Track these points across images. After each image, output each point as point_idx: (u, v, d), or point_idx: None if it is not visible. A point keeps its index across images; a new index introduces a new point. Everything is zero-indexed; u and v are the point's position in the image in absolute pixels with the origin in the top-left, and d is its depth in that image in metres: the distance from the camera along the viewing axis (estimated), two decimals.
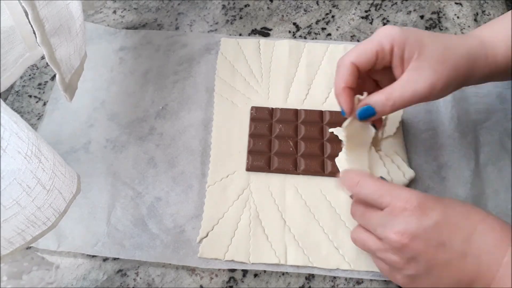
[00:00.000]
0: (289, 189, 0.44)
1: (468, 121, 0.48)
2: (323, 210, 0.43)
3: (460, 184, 0.45)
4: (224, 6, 0.59)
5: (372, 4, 0.59)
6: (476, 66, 0.37)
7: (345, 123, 0.38)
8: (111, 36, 0.56)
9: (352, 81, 0.37)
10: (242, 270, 0.41)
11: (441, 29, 0.57)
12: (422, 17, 0.58)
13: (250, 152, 0.46)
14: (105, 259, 0.42)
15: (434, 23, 0.57)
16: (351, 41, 0.56)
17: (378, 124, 0.41)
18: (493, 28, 0.39)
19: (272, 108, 0.49)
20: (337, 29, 0.57)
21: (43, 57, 0.50)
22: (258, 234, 0.42)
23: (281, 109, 0.49)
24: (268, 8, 0.59)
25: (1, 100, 0.29)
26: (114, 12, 0.59)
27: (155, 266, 0.41)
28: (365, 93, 0.38)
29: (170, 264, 0.41)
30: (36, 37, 0.37)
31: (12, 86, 0.53)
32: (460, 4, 0.59)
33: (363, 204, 0.36)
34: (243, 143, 0.47)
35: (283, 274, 0.41)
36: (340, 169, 0.45)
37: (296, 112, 0.49)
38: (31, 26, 0.35)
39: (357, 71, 0.37)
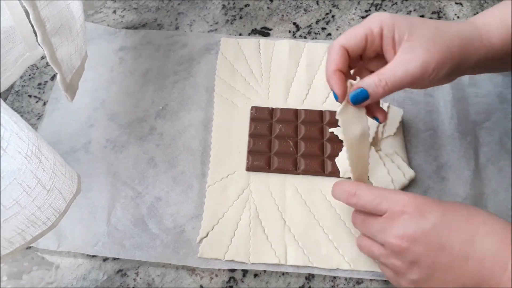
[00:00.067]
0: (289, 189, 0.44)
1: (468, 121, 0.48)
2: (323, 210, 0.43)
3: (460, 184, 0.45)
4: (224, 6, 0.59)
5: (372, 4, 0.59)
6: (471, 48, 0.36)
7: (339, 110, 0.37)
8: (111, 36, 0.56)
9: (343, 64, 0.37)
10: (242, 270, 0.41)
11: None
12: (422, 17, 0.58)
13: (250, 152, 0.46)
14: (105, 259, 0.42)
15: None
16: None
17: (381, 117, 0.39)
18: (486, 14, 0.39)
19: (272, 108, 0.49)
20: (337, 29, 0.57)
21: (43, 57, 0.50)
22: (258, 234, 0.42)
23: (281, 109, 0.49)
24: (268, 8, 0.59)
25: (1, 100, 0.29)
26: (114, 12, 0.59)
27: (155, 266, 0.42)
28: (358, 78, 0.37)
29: (170, 264, 0.41)
30: (36, 37, 0.37)
31: (12, 86, 0.53)
32: (460, 4, 0.59)
33: (362, 212, 0.36)
34: (243, 143, 0.47)
35: (283, 274, 0.41)
36: (340, 169, 0.45)
37: (296, 112, 0.49)
38: (32, 26, 0.35)
39: (347, 55, 0.37)
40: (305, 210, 0.43)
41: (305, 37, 0.56)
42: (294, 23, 0.58)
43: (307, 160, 0.45)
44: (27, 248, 0.42)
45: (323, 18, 0.58)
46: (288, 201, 0.44)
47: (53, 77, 0.53)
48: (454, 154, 0.46)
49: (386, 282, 0.40)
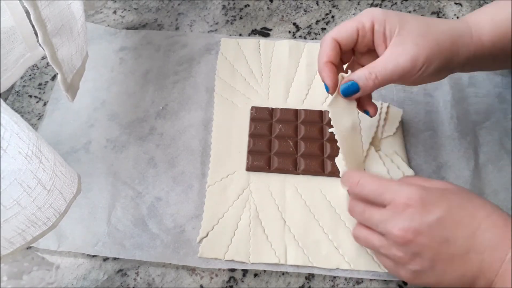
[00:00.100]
0: (289, 189, 0.45)
1: (467, 121, 0.49)
2: (323, 210, 0.43)
3: (460, 184, 0.45)
4: (224, 6, 0.59)
5: (372, 4, 0.59)
6: (460, 43, 0.37)
7: (329, 101, 0.38)
8: (111, 36, 0.56)
9: (334, 56, 0.38)
10: (242, 270, 0.41)
11: None
12: None
13: (250, 152, 0.46)
14: (106, 259, 0.42)
15: None
16: None
17: (372, 111, 0.40)
18: (478, 12, 0.39)
19: (272, 108, 0.49)
20: None
21: (43, 57, 0.51)
22: (258, 234, 0.42)
23: (281, 109, 0.49)
24: (268, 8, 0.59)
25: (2, 100, 0.29)
26: (114, 12, 0.59)
27: (155, 266, 0.42)
28: (349, 71, 0.38)
29: (170, 264, 0.41)
30: (37, 37, 0.37)
31: (12, 86, 0.53)
32: (460, 4, 0.59)
33: (362, 201, 0.36)
34: (243, 143, 0.47)
35: (283, 274, 0.41)
36: (340, 169, 0.45)
37: (296, 112, 0.49)
38: (32, 26, 0.35)
39: (339, 47, 0.38)
40: (305, 210, 0.43)
41: (305, 38, 0.56)
42: (294, 24, 0.58)
43: (307, 160, 0.46)
44: (27, 248, 0.42)
45: (323, 19, 0.58)
46: (288, 201, 0.44)
47: (53, 77, 0.54)
48: (453, 154, 0.47)
49: (386, 282, 0.40)
